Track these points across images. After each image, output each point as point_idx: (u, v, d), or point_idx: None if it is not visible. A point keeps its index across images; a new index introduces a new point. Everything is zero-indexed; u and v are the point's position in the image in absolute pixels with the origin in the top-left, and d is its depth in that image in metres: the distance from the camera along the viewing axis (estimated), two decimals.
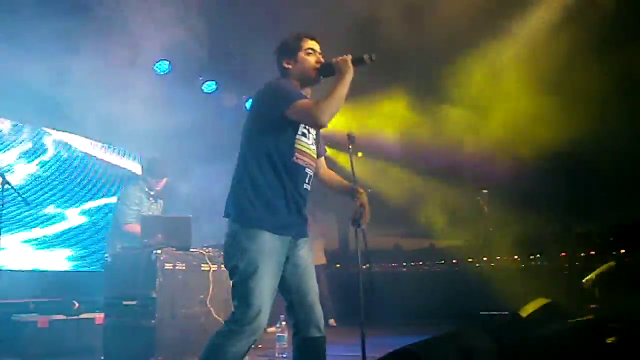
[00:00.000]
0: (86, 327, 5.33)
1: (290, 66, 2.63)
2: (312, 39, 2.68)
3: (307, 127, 2.59)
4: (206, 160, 7.03)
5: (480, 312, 6.13)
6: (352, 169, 2.72)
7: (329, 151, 3.40)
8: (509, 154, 6.71)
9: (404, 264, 8.85)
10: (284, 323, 4.87)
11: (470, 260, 8.01)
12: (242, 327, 2.32)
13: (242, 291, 2.36)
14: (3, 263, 5.84)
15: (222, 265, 4.37)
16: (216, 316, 4.21)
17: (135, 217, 4.77)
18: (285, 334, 4.73)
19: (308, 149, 2.60)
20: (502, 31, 6.32)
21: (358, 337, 3.41)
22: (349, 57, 2.51)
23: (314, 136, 2.67)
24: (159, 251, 4.00)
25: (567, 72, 5.96)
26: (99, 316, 5.25)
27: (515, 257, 7.75)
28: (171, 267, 4.05)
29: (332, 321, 7.47)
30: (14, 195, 4.12)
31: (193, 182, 6.76)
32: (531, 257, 7.73)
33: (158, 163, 5.02)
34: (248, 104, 7.56)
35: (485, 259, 7.63)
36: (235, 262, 2.40)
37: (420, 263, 8.83)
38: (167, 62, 6.75)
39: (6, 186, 3.97)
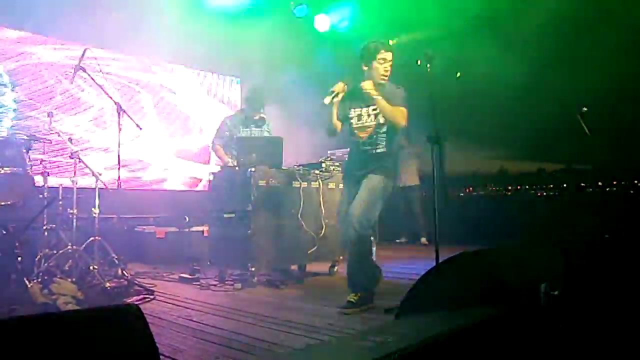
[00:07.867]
0: (195, 238, 5.94)
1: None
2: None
3: None
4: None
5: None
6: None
7: None
8: None
9: (509, 187, 8.56)
10: None
11: (583, 185, 7.56)
12: None
13: None
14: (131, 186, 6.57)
15: (313, 183, 4.66)
16: (306, 229, 4.51)
17: (222, 142, 5.01)
18: None
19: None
20: None
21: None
22: None
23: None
24: (253, 169, 4.28)
25: None
26: (206, 229, 5.83)
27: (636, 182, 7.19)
28: (264, 184, 4.33)
29: (423, 240, 7.59)
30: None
31: (291, 105, 6.94)
32: None
33: (256, 94, 5.08)
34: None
35: (599, 184, 7.23)
36: None
37: (527, 187, 8.49)
38: None
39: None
